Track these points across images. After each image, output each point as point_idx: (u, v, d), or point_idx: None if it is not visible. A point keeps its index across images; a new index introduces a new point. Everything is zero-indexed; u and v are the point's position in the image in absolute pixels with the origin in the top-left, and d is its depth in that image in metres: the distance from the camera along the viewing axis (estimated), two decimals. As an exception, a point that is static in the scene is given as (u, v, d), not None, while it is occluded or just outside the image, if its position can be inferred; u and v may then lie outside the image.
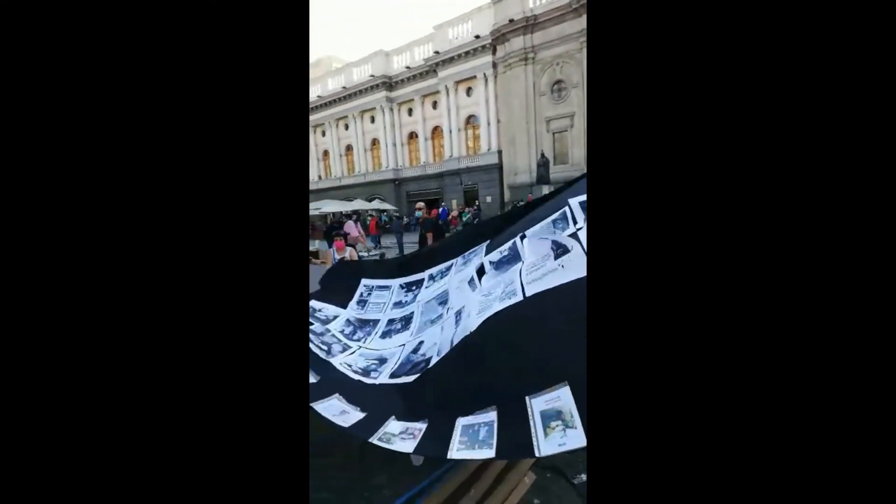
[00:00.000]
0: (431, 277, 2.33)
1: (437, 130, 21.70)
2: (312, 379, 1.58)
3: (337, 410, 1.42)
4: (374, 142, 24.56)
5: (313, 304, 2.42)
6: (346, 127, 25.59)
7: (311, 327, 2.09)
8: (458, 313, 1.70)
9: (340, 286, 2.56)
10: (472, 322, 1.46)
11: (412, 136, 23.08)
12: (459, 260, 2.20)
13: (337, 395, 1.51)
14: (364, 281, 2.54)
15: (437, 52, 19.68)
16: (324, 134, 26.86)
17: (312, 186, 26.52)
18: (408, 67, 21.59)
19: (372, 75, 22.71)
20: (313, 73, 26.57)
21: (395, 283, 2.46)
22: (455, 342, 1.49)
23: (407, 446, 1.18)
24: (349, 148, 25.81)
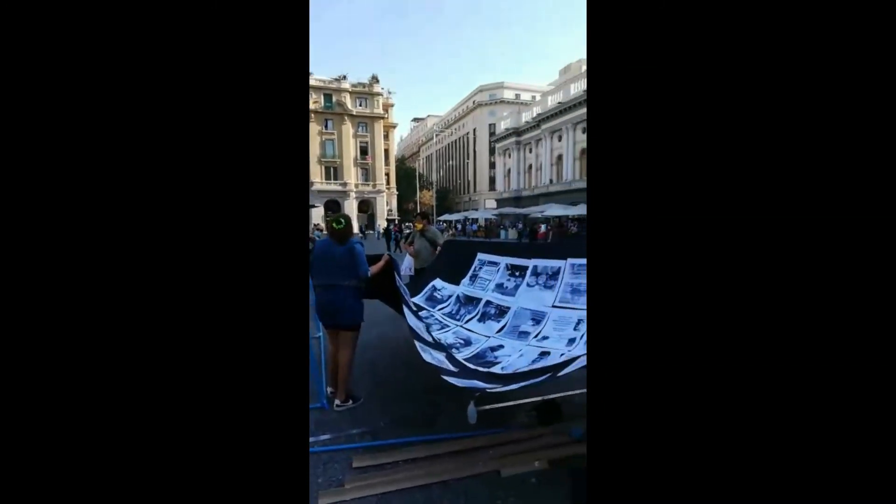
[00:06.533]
0: (535, 271, 2.57)
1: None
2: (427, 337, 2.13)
3: (439, 362, 1.93)
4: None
5: (435, 282, 2.90)
6: (584, 131, 25.03)
7: (420, 309, 2.61)
8: (542, 356, 2.11)
9: (457, 262, 3.00)
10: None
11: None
12: (567, 267, 2.43)
13: (445, 353, 2.03)
14: (479, 255, 2.97)
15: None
16: (560, 139, 27.49)
17: (542, 190, 28.71)
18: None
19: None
20: (561, 78, 28.27)
21: (504, 261, 2.78)
22: (524, 373, 1.96)
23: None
24: (583, 151, 25.44)
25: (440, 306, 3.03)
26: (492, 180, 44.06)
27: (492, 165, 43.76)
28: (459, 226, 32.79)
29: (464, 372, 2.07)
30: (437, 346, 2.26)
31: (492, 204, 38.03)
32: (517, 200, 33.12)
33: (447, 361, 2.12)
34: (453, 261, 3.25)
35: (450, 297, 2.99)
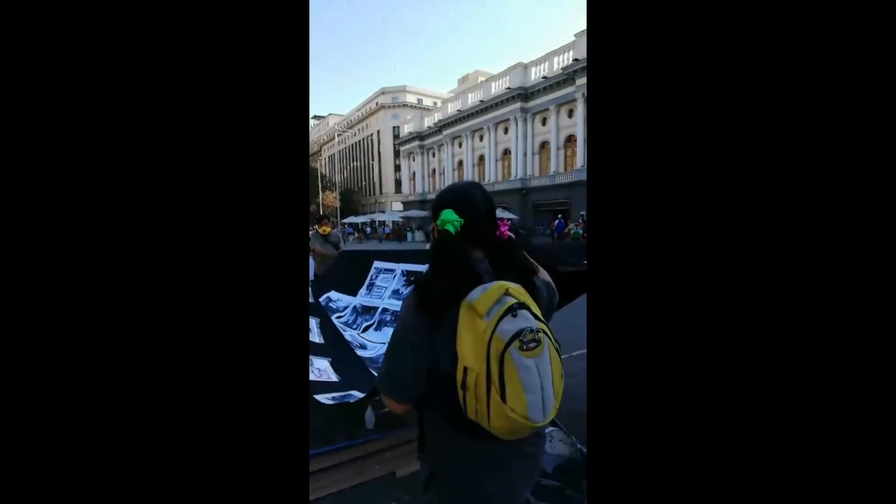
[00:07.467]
0: None
1: (571, 140, 21.25)
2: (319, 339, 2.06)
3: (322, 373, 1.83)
4: (506, 152, 25.10)
5: (331, 294, 2.79)
6: (481, 138, 27.06)
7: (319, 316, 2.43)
8: None
9: (353, 272, 2.93)
10: None
11: (544, 145, 22.88)
12: None
13: (330, 358, 1.92)
14: (376, 263, 2.89)
15: (576, 60, 19.06)
16: (460, 145, 29.37)
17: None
18: (545, 77, 21.62)
19: (508, 87, 23.45)
20: (460, 87, 29.17)
21: (400, 268, 2.72)
22: None
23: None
24: (481, 158, 27.40)
25: (337, 315, 2.96)
26: (398, 183, 43.86)
27: (397, 168, 43.58)
28: (368, 229, 31.92)
29: (345, 381, 2.00)
30: (323, 347, 2.16)
31: (398, 206, 37.87)
32: (422, 203, 33.39)
33: (330, 369, 2.06)
34: (349, 272, 3.16)
35: (346, 307, 2.94)
